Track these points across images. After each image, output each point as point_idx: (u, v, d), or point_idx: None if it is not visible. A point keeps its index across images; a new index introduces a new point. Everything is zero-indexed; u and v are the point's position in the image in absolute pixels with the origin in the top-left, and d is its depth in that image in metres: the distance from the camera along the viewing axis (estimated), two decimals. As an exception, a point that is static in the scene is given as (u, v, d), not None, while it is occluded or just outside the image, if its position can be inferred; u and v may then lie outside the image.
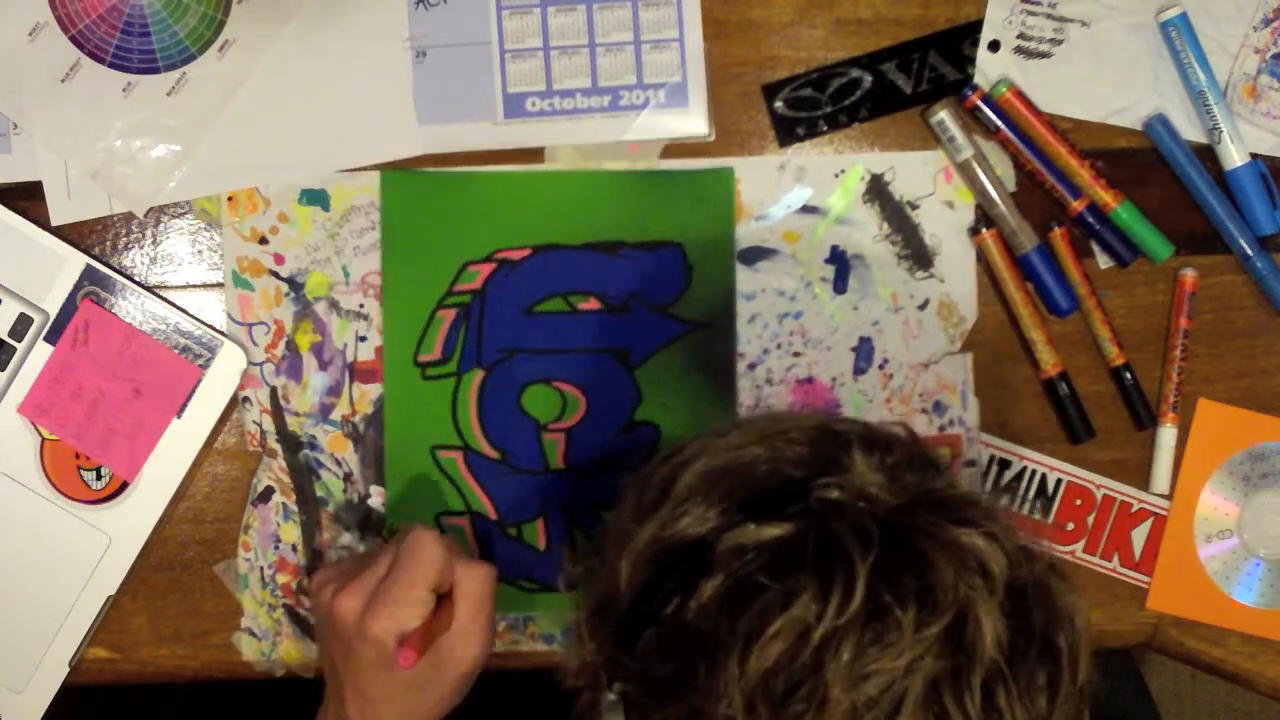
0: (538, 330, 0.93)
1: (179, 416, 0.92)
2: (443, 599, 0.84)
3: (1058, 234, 0.92)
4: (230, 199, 0.92)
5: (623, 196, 0.92)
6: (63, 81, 0.91)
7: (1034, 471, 0.94)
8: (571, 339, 0.92)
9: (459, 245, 0.92)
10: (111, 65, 0.91)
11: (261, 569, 0.94)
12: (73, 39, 0.91)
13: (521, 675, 0.94)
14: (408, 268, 0.92)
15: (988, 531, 0.64)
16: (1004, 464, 0.94)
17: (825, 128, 0.93)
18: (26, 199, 0.92)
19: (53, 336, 0.91)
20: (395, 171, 0.92)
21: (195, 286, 0.93)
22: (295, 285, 0.93)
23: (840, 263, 0.93)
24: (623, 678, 0.68)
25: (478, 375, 0.93)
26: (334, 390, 0.93)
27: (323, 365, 0.93)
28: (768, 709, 0.62)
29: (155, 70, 0.91)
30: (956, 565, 0.63)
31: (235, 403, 0.93)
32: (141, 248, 0.93)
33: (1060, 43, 0.92)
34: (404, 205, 0.92)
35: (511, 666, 0.94)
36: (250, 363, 0.93)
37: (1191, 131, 0.92)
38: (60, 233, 0.92)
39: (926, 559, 0.63)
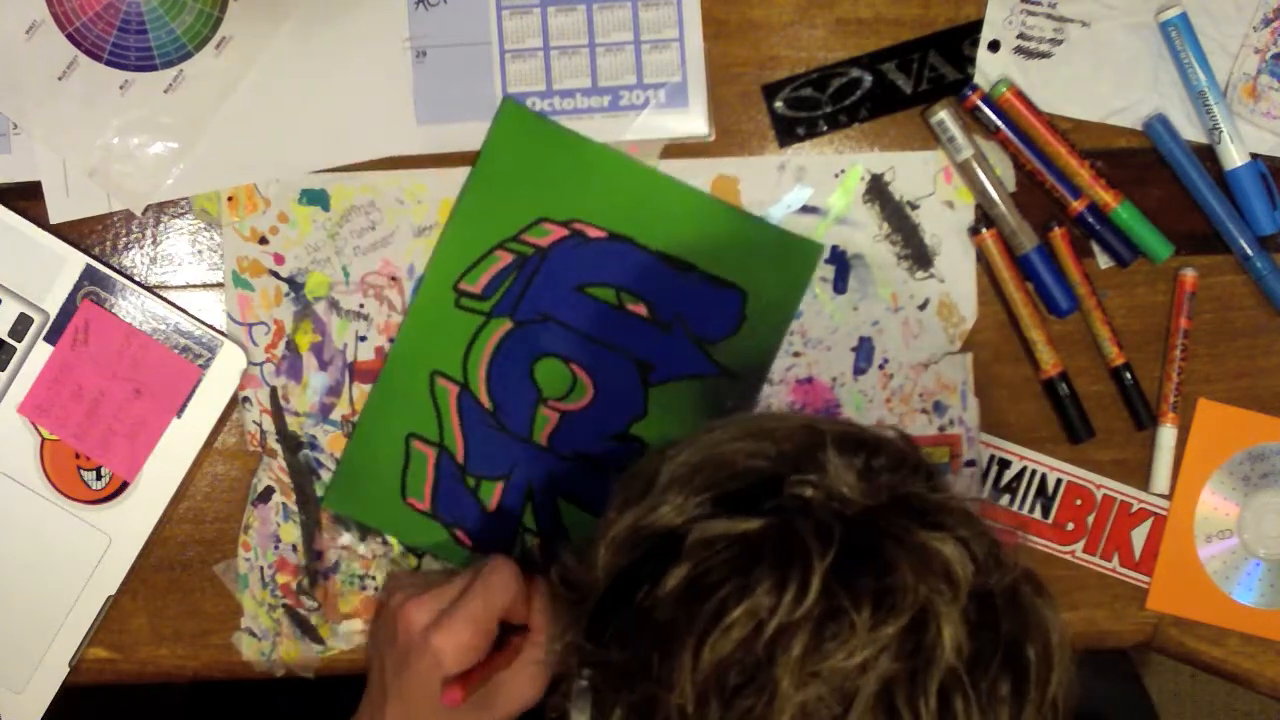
0: (580, 309, 0.92)
1: (179, 416, 0.92)
2: (505, 638, 0.84)
3: (1058, 234, 0.92)
4: (230, 199, 0.92)
5: (713, 223, 0.92)
6: (60, 79, 0.91)
7: (1034, 471, 0.94)
8: (607, 332, 0.92)
9: (543, 199, 0.92)
10: (109, 63, 0.91)
11: (261, 569, 0.94)
12: (69, 36, 0.91)
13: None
14: (486, 197, 0.92)
15: (959, 537, 0.64)
16: (1004, 464, 0.94)
17: (825, 128, 0.93)
18: (26, 199, 0.92)
19: (53, 336, 0.91)
20: (518, 104, 0.91)
21: (195, 286, 0.93)
22: (295, 285, 0.93)
23: (840, 263, 0.93)
24: (590, 664, 0.68)
25: (505, 325, 0.92)
26: (334, 390, 0.93)
27: (323, 365, 0.93)
28: (719, 701, 0.62)
29: (152, 68, 0.91)
30: (918, 569, 0.62)
31: (235, 403, 0.93)
32: (141, 248, 0.93)
33: (1060, 43, 0.92)
34: (511, 138, 0.91)
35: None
36: (250, 363, 0.93)
37: (1191, 131, 0.92)
38: (60, 233, 0.92)
39: (887, 561, 0.63)
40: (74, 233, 0.92)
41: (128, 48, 0.91)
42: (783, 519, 0.64)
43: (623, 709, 0.66)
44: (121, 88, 0.91)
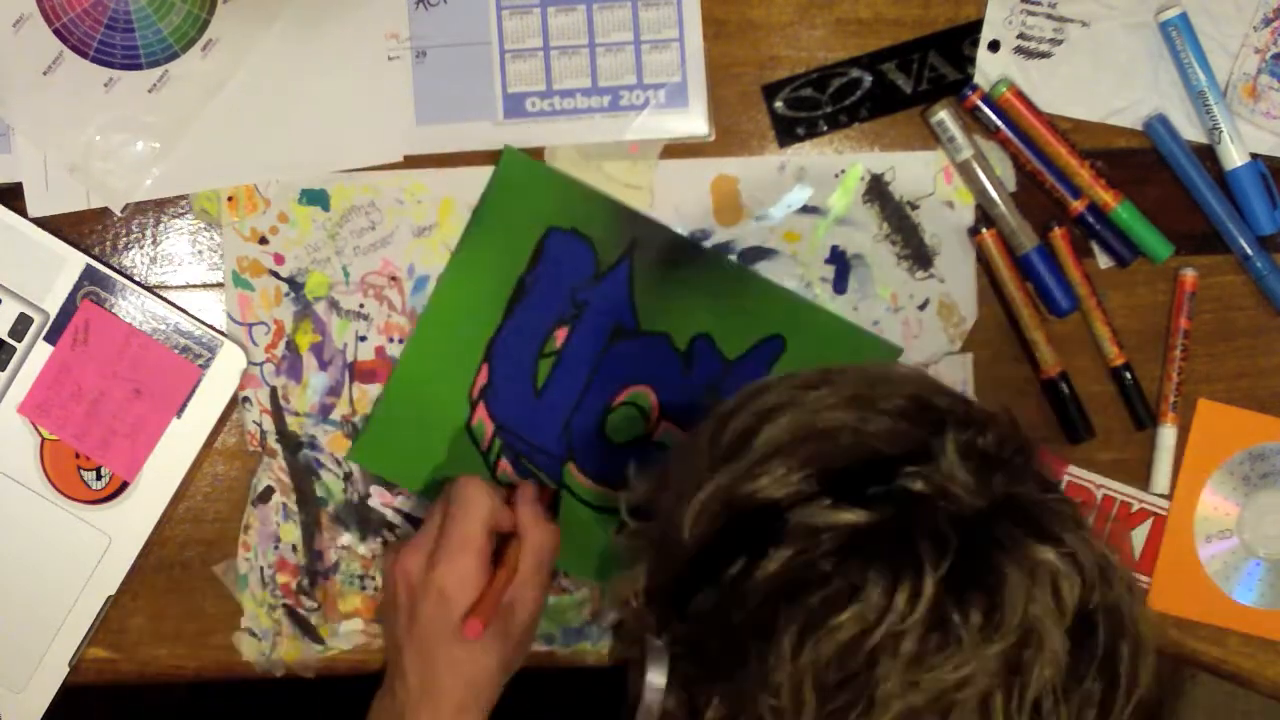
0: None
1: (179, 416, 0.92)
2: (499, 554, 0.84)
3: (1058, 234, 0.92)
4: (230, 199, 0.92)
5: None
6: (45, 74, 0.91)
7: (1034, 471, 0.94)
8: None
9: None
10: (94, 60, 0.91)
11: (261, 569, 0.94)
12: (56, 32, 0.91)
13: (522, 675, 0.94)
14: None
15: (1066, 552, 0.63)
16: (1004, 464, 0.94)
17: (825, 128, 0.93)
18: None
19: (53, 336, 0.91)
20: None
21: (195, 286, 0.93)
22: (295, 285, 0.93)
23: (840, 263, 0.93)
24: (672, 633, 0.67)
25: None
26: (334, 390, 0.93)
27: (323, 365, 0.93)
28: (814, 702, 0.61)
29: (138, 67, 0.91)
30: (1028, 585, 0.62)
31: (235, 403, 0.93)
32: (141, 248, 0.93)
33: (1060, 43, 0.92)
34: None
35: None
36: (250, 363, 0.93)
37: (1191, 131, 0.92)
38: (60, 232, 0.92)
39: (999, 575, 0.62)
40: (74, 232, 0.92)
41: (114, 45, 0.91)
42: (895, 516, 0.62)
43: (720, 700, 0.65)
44: (106, 85, 0.91)
